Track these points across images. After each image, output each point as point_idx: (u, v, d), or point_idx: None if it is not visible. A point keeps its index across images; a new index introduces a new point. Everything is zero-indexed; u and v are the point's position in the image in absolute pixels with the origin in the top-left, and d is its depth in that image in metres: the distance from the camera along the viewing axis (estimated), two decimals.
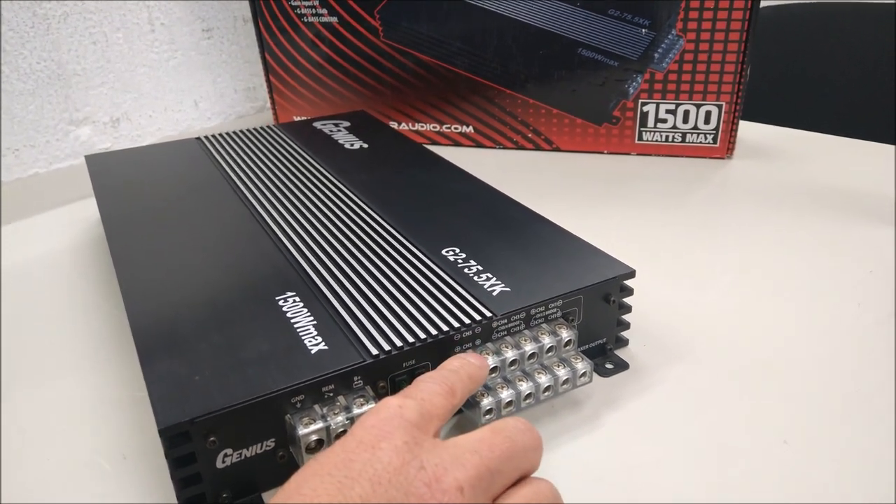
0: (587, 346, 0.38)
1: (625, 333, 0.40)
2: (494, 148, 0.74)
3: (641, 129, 0.69)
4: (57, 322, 0.45)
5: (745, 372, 0.38)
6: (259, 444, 0.30)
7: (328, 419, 0.29)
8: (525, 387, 0.33)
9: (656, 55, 0.65)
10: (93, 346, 0.42)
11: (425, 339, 0.32)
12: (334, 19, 0.73)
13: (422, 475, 0.24)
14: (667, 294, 0.45)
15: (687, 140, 0.68)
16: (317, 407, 0.30)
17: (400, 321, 0.33)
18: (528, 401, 0.34)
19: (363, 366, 0.30)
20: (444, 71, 0.72)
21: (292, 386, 0.29)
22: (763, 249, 0.51)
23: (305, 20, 0.74)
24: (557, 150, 0.72)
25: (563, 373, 0.34)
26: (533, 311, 0.34)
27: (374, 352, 0.31)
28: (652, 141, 0.69)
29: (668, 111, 0.67)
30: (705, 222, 0.56)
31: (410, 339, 0.32)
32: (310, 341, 0.32)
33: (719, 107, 0.65)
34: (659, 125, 0.68)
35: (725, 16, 0.61)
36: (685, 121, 0.67)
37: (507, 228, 0.42)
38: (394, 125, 0.76)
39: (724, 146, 0.67)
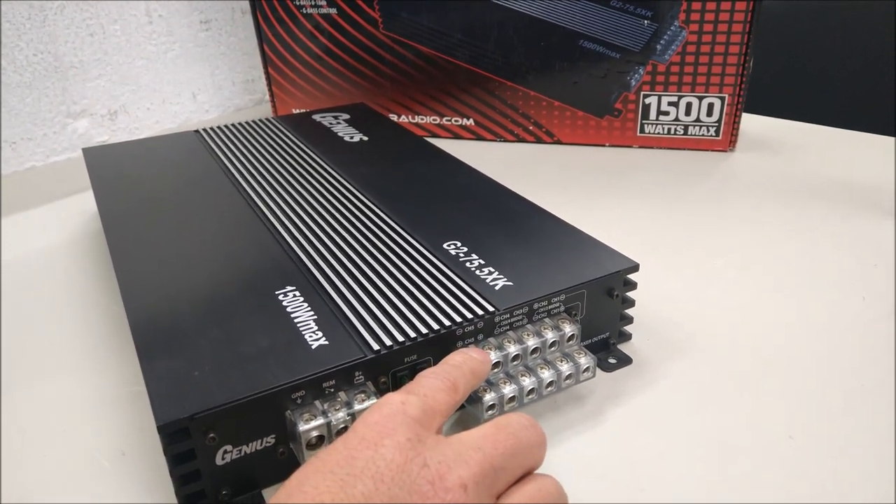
0: (590, 341, 0.38)
1: (628, 328, 0.39)
2: (495, 141, 0.74)
3: (643, 121, 0.68)
4: (55, 317, 0.45)
5: (749, 367, 0.37)
6: (259, 441, 0.29)
7: (329, 415, 0.29)
8: (528, 382, 0.33)
9: (659, 47, 0.64)
10: (91, 341, 0.42)
11: (427, 334, 0.32)
12: (333, 10, 0.72)
13: (425, 473, 0.23)
14: (670, 288, 0.45)
15: (689, 133, 0.67)
16: (317, 403, 0.30)
17: (401, 316, 0.33)
18: (530, 396, 0.33)
19: (364, 361, 0.30)
20: (445, 63, 0.71)
21: (293, 381, 0.29)
22: (766, 243, 0.50)
23: (304, 11, 0.73)
24: (559, 142, 0.72)
25: (566, 368, 0.34)
26: (535, 306, 0.34)
27: (376, 347, 0.31)
28: (654, 133, 0.68)
29: (670, 103, 0.66)
30: (708, 215, 0.55)
31: (412, 333, 0.32)
32: (310, 336, 0.31)
33: (722, 99, 0.65)
34: (661, 117, 0.67)
35: (728, 7, 0.61)
36: (687, 113, 0.66)
37: (509, 222, 0.42)
38: (393, 118, 0.76)
39: (726, 139, 0.67)
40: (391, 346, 0.31)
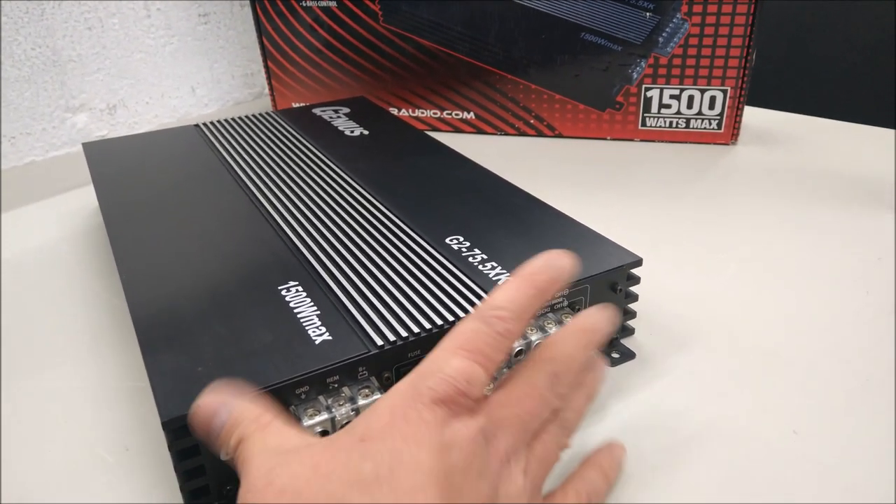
0: None
1: (631, 322, 0.39)
2: (496, 134, 0.74)
3: (645, 114, 0.68)
4: (56, 313, 0.45)
5: (753, 361, 0.37)
6: None
7: (333, 410, 0.29)
8: None
9: (661, 39, 0.64)
10: (93, 336, 0.42)
11: (430, 330, 0.32)
12: (333, 3, 0.72)
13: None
14: (672, 282, 0.45)
15: (691, 126, 0.67)
16: (321, 398, 0.30)
17: (404, 311, 0.33)
18: None
19: (368, 356, 0.30)
20: (445, 56, 0.71)
21: (296, 377, 0.29)
22: (769, 236, 0.50)
23: (304, 4, 0.73)
24: (560, 136, 0.72)
25: None
26: None
27: (380, 342, 0.31)
28: (656, 127, 0.68)
29: (672, 96, 0.66)
30: (710, 209, 0.55)
31: (415, 329, 0.31)
32: (314, 331, 0.31)
33: (724, 92, 0.65)
34: (663, 111, 0.67)
35: None
36: (689, 106, 0.66)
37: (511, 216, 0.42)
38: (394, 111, 0.76)
39: (728, 132, 0.67)
40: (395, 342, 0.31)
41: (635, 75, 0.66)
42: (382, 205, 0.44)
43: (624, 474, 0.30)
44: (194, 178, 0.50)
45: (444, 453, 0.23)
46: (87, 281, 0.48)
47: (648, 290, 0.40)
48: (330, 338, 0.31)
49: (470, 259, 0.37)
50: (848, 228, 0.51)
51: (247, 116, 0.62)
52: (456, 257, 0.37)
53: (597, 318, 0.28)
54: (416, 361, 0.32)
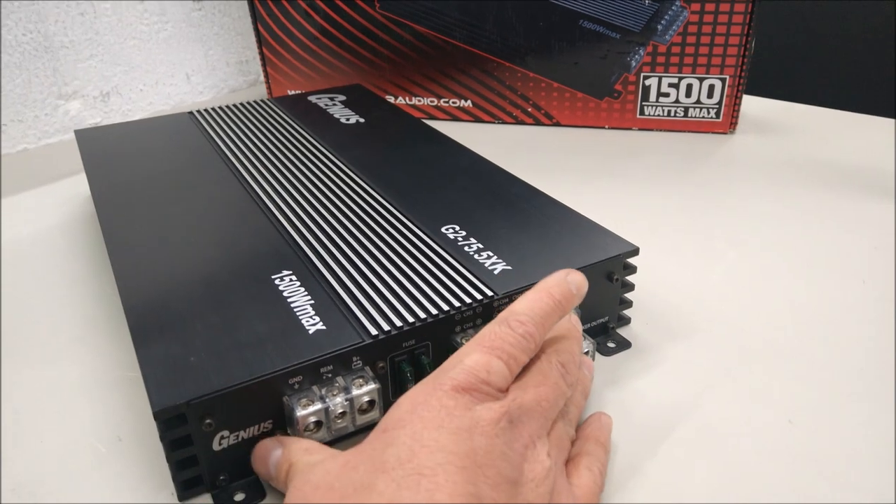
0: (589, 325, 0.37)
1: (627, 312, 0.39)
2: (493, 122, 0.73)
3: (643, 103, 0.67)
4: (48, 302, 0.44)
5: (749, 350, 0.37)
6: (256, 426, 0.29)
7: (327, 400, 0.29)
8: None
9: (659, 27, 0.63)
10: (85, 326, 0.41)
11: (425, 319, 0.31)
12: None
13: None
14: (669, 271, 0.44)
15: (689, 114, 0.67)
16: (315, 388, 0.29)
17: (399, 301, 0.33)
18: None
19: (362, 346, 0.30)
20: (442, 43, 0.70)
21: (290, 367, 0.28)
22: (766, 226, 0.50)
23: None
24: (558, 124, 0.71)
25: None
26: None
27: (374, 332, 0.30)
28: (654, 115, 0.68)
29: (670, 85, 0.66)
30: (707, 198, 0.55)
31: (410, 319, 0.31)
32: (307, 321, 0.31)
33: (723, 80, 0.64)
34: (661, 99, 0.67)
35: None
36: (688, 95, 0.66)
37: (508, 205, 0.41)
38: (390, 99, 0.75)
39: (727, 121, 0.66)
40: (389, 332, 0.30)
41: (634, 63, 0.66)
42: (378, 193, 0.44)
43: (618, 463, 0.30)
44: (188, 167, 0.50)
45: (465, 434, 0.23)
46: (80, 270, 0.48)
47: (645, 278, 0.40)
48: (324, 327, 0.31)
49: (466, 248, 0.37)
50: (845, 218, 0.51)
51: (241, 104, 0.62)
52: (452, 247, 0.37)
53: (576, 320, 0.32)
54: (410, 351, 0.31)
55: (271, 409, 0.29)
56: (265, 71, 0.78)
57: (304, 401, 0.29)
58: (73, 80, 0.74)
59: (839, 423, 0.32)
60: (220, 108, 0.61)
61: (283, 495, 0.29)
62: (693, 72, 0.64)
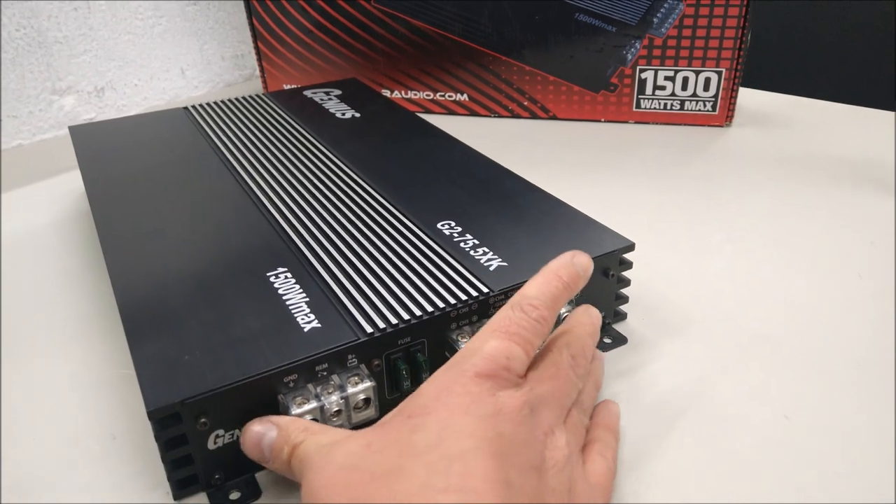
0: None
1: (623, 307, 0.39)
2: (489, 116, 0.73)
3: (639, 96, 0.67)
4: (42, 299, 0.44)
5: (745, 345, 0.37)
6: None
7: (322, 398, 0.29)
8: None
9: (655, 20, 0.63)
10: (79, 323, 0.41)
11: (421, 317, 0.31)
12: None
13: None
14: (665, 266, 0.44)
15: (685, 108, 0.67)
16: (310, 386, 0.29)
17: (395, 298, 0.32)
18: None
19: (358, 344, 0.30)
20: (438, 37, 0.70)
21: (285, 365, 0.28)
22: (762, 220, 0.50)
23: None
24: (554, 118, 0.71)
25: None
26: None
27: (369, 330, 0.30)
28: (650, 109, 0.68)
29: (666, 78, 0.65)
30: (704, 192, 0.55)
31: (406, 316, 0.31)
32: (302, 319, 0.31)
33: (719, 73, 0.64)
34: (657, 92, 0.66)
35: None
36: (684, 88, 0.66)
37: (504, 200, 0.41)
38: (386, 93, 0.75)
39: (723, 114, 0.66)
40: (385, 329, 0.30)
41: (630, 56, 0.65)
42: (373, 189, 0.43)
43: (617, 458, 0.30)
44: (183, 162, 0.49)
45: (491, 420, 0.24)
46: (74, 267, 0.48)
47: (641, 273, 0.40)
48: (319, 325, 0.31)
49: (462, 244, 0.37)
50: (842, 211, 0.51)
51: (237, 99, 0.62)
52: (447, 242, 0.37)
53: (595, 313, 0.32)
54: (406, 349, 0.31)
55: (266, 407, 0.29)
56: (260, 65, 0.77)
57: (299, 399, 0.29)
58: (67, 75, 0.73)
59: (836, 418, 0.32)
60: (215, 102, 0.61)
61: (279, 492, 0.29)
62: (689, 65, 0.64)
